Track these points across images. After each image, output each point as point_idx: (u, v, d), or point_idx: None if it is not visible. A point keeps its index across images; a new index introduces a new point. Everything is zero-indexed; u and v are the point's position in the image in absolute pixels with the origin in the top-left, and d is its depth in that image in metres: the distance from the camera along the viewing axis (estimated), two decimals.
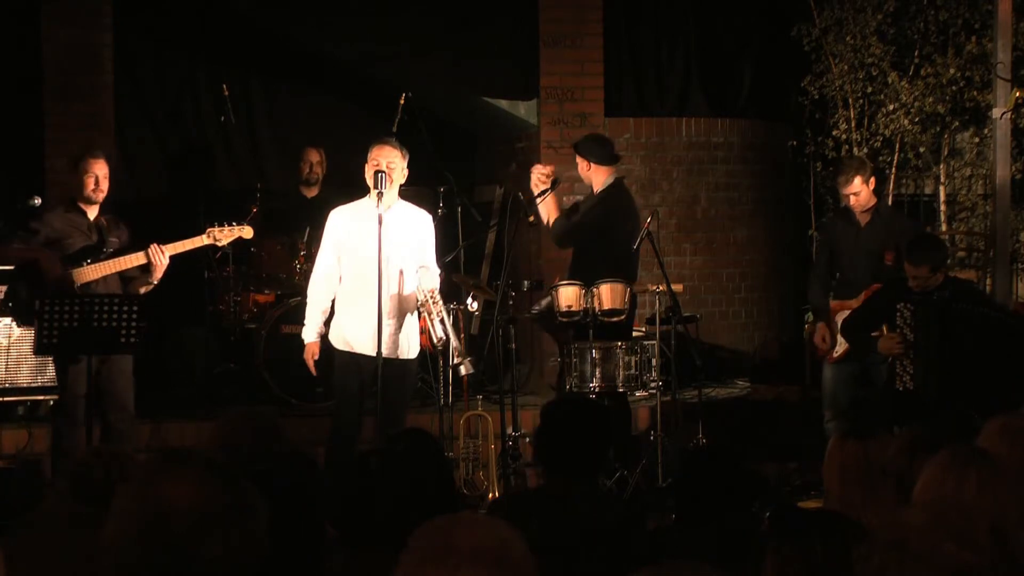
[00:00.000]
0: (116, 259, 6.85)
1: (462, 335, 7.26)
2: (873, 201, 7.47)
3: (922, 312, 6.52)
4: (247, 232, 7.13)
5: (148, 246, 6.82)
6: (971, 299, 6.75)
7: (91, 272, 6.80)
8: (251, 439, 3.84)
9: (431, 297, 6.41)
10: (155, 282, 6.90)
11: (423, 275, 6.48)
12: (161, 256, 6.80)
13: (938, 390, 6.47)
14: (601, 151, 7.75)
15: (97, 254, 6.87)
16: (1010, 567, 2.23)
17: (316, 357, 6.58)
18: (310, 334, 6.59)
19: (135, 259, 6.83)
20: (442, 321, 6.44)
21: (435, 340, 6.51)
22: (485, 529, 2.02)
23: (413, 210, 6.65)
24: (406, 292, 6.50)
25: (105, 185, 6.93)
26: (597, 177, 7.72)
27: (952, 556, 2.16)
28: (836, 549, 2.62)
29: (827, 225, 8.02)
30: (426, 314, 6.47)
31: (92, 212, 6.95)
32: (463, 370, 6.57)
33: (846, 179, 7.35)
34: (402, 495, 3.35)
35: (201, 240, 7.00)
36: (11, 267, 6.92)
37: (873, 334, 6.85)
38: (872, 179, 7.51)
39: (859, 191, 7.35)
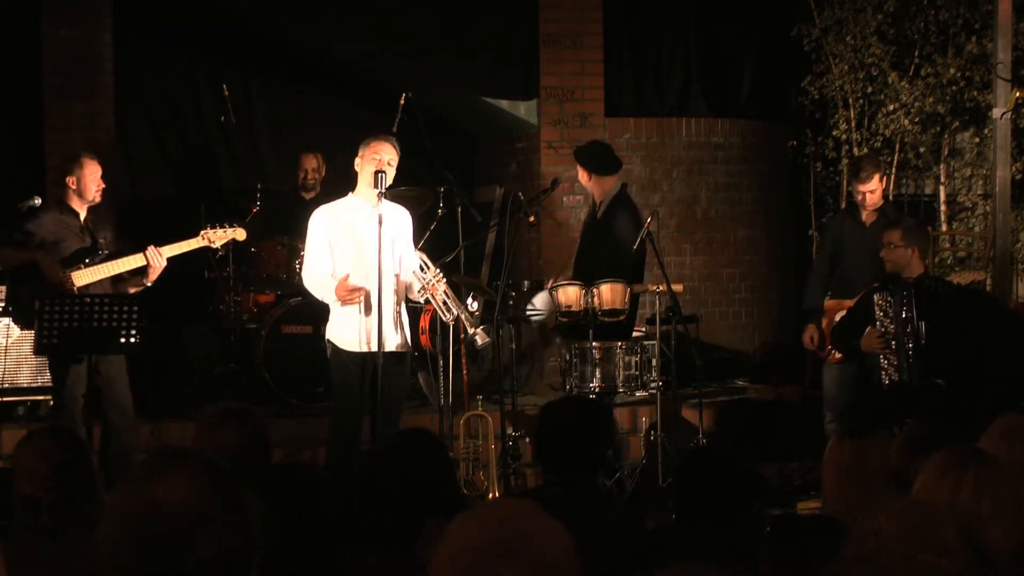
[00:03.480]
0: (114, 261, 6.84)
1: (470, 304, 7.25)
2: (882, 201, 7.46)
3: (896, 296, 6.56)
4: (240, 234, 7.15)
5: (145, 248, 6.81)
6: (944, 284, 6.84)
7: (89, 275, 6.80)
8: (236, 445, 3.79)
9: (435, 276, 6.43)
10: (148, 284, 6.90)
11: (418, 259, 6.51)
12: (159, 258, 6.80)
13: (921, 370, 6.49)
14: (603, 161, 7.74)
15: (93, 256, 6.86)
16: (990, 571, 2.23)
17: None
18: (330, 288, 6.39)
19: (133, 261, 6.82)
20: (448, 298, 6.45)
21: (446, 319, 6.53)
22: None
23: (397, 207, 6.65)
24: (404, 280, 6.51)
25: (102, 185, 6.95)
26: (600, 186, 7.72)
27: (928, 565, 2.15)
28: (832, 552, 2.62)
29: (831, 223, 8.00)
30: (431, 295, 6.48)
31: (83, 213, 6.95)
32: (479, 340, 6.56)
33: (867, 175, 7.29)
34: (406, 495, 3.35)
35: (196, 242, 7.01)
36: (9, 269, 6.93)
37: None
38: (885, 178, 7.51)
39: (875, 189, 7.33)
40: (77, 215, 6.93)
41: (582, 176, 7.79)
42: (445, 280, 6.51)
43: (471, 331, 6.55)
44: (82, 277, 6.78)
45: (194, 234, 7.02)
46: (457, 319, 6.59)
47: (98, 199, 6.94)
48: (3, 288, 7.32)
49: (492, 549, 1.91)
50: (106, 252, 6.90)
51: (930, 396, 6.40)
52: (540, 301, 7.79)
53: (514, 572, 1.89)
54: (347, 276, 6.35)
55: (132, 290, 6.91)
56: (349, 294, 6.34)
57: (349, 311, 6.46)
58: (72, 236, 6.88)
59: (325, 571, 3.09)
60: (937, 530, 2.22)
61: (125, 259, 6.84)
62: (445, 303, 6.47)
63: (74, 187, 6.89)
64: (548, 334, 8.70)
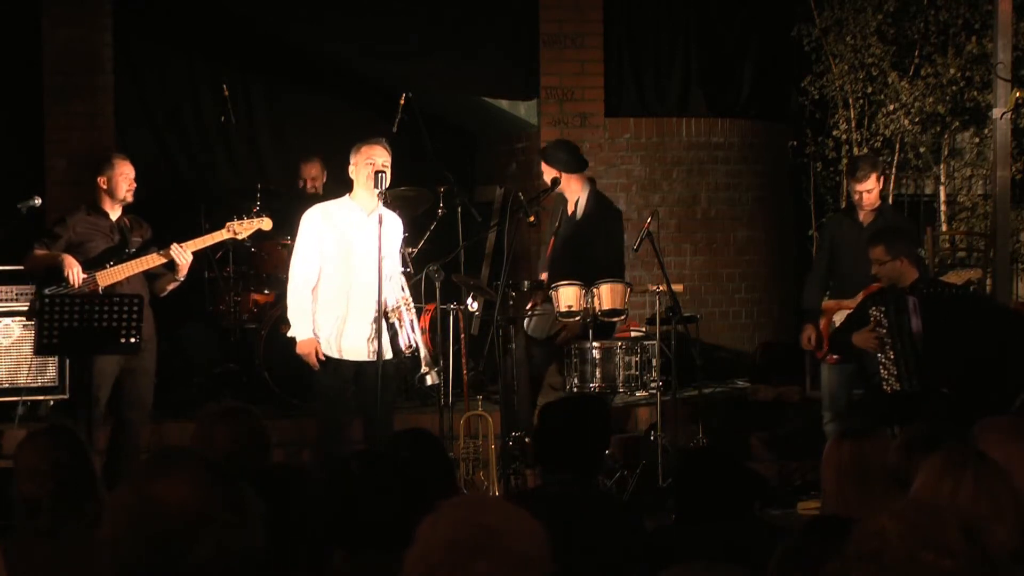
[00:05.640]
0: (138, 260, 6.83)
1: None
2: (879, 201, 7.45)
3: (892, 308, 6.55)
4: (266, 224, 7.10)
5: (169, 245, 6.81)
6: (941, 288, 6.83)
7: (115, 274, 6.80)
8: (232, 445, 3.79)
9: (404, 303, 6.41)
10: (182, 279, 6.93)
11: (394, 281, 6.48)
12: (183, 254, 6.79)
13: (921, 380, 6.48)
14: (570, 158, 7.63)
15: (120, 255, 6.86)
16: (991, 572, 2.23)
17: (320, 353, 6.40)
18: (306, 331, 6.40)
19: (156, 259, 6.82)
20: (412, 330, 6.42)
21: (403, 347, 6.45)
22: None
23: (390, 214, 6.60)
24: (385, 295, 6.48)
25: (133, 184, 6.94)
26: (571, 186, 7.61)
27: (930, 564, 2.15)
28: (837, 552, 2.61)
29: (829, 224, 7.99)
30: (396, 320, 6.43)
31: (115, 214, 6.94)
32: (429, 380, 6.54)
33: (864, 175, 7.28)
34: (406, 495, 3.35)
35: (221, 235, 7.01)
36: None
37: None
38: (882, 178, 7.49)
39: (872, 188, 7.31)
40: (107, 215, 6.92)
41: (563, 178, 7.56)
42: (413, 309, 6.48)
43: (424, 369, 6.52)
44: (106, 277, 6.77)
45: (219, 227, 7.03)
46: (416, 350, 6.50)
47: (129, 199, 6.93)
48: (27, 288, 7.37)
49: (464, 545, 1.92)
50: (132, 251, 6.89)
51: (932, 401, 6.39)
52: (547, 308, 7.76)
53: (487, 566, 1.91)
54: (319, 349, 6.33)
55: (169, 287, 6.95)
56: (309, 357, 6.36)
57: (332, 320, 6.43)
58: (100, 236, 6.88)
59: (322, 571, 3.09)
60: (941, 529, 2.22)
61: (148, 257, 6.83)
62: (408, 333, 6.43)
63: (105, 187, 6.88)
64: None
